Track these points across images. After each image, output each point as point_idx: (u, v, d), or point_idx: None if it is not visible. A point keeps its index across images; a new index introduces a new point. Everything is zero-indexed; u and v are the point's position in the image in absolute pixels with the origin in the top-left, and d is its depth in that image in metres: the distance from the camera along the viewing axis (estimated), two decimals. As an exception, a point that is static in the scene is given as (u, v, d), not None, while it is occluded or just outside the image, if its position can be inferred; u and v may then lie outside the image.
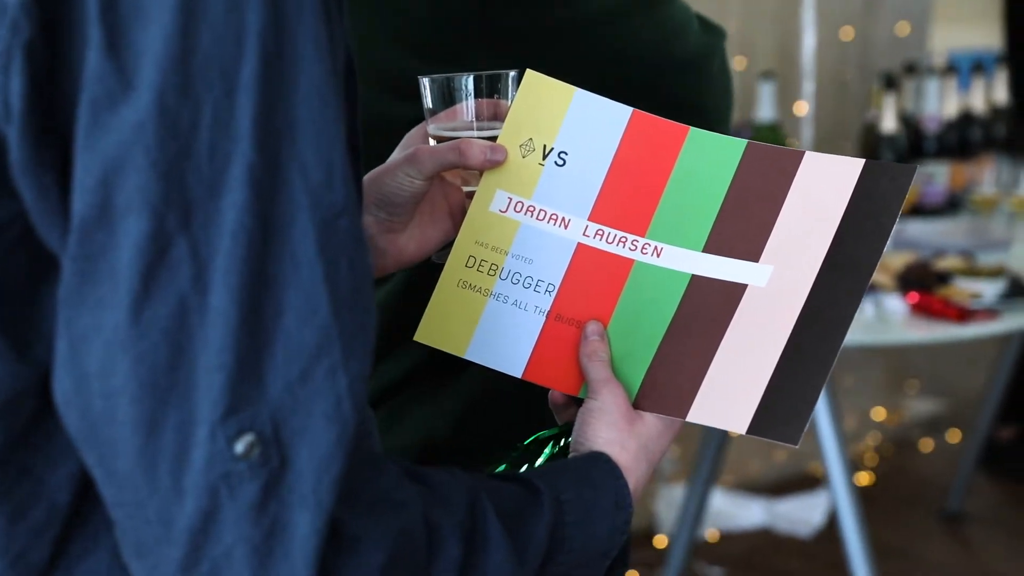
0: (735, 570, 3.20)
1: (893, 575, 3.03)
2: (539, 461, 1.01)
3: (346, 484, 0.72)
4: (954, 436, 4.02)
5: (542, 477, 0.90)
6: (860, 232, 0.97)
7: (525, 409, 1.14)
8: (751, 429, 0.95)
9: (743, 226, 1.00)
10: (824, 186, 0.99)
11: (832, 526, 3.20)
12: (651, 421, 0.97)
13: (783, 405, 0.94)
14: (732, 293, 0.98)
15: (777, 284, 0.97)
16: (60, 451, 0.73)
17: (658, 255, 1.01)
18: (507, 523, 0.83)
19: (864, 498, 2.45)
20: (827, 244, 0.97)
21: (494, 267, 1.03)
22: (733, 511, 3.43)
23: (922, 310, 2.37)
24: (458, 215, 1.05)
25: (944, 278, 2.47)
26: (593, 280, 1.02)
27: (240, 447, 0.69)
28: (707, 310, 0.98)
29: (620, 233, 1.02)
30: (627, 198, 1.02)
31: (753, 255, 0.99)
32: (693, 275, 1.00)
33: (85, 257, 0.68)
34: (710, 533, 3.34)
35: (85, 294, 0.69)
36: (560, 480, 0.90)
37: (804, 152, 1.01)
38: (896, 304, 2.41)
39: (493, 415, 1.22)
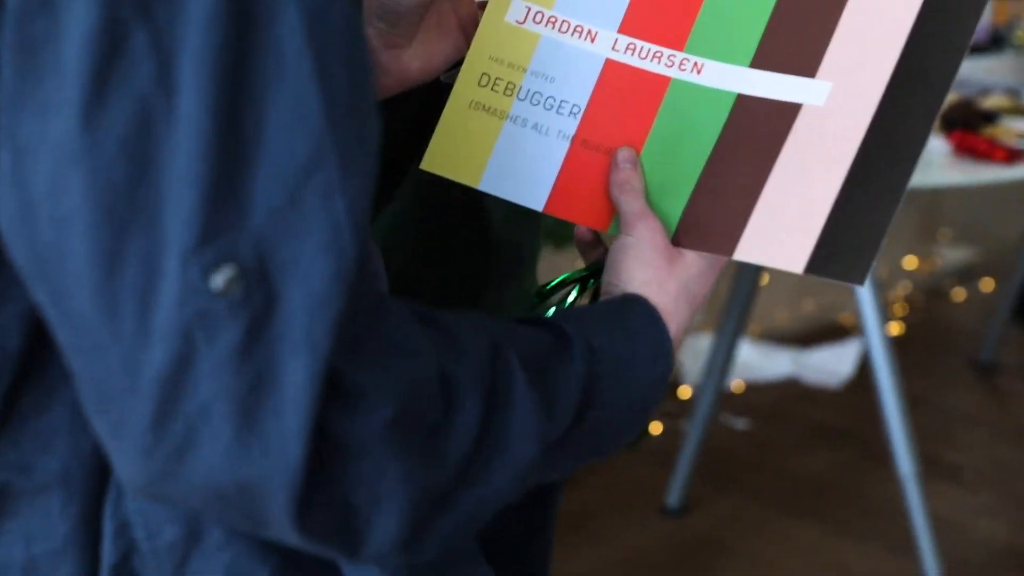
0: (760, 421, 3.18)
1: (923, 425, 2.98)
2: (564, 307, 0.92)
3: (346, 328, 0.61)
4: (987, 285, 3.98)
5: (570, 321, 0.79)
6: (933, 43, 0.87)
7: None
8: (809, 268, 0.85)
9: (797, 38, 0.89)
10: (891, -9, 0.88)
11: (860, 377, 3.14)
12: (692, 259, 0.87)
13: (846, 240, 0.84)
14: (785, 113, 0.88)
15: (837, 103, 0.87)
16: (6, 288, 0.63)
17: (698, 72, 0.90)
18: (533, 374, 0.73)
19: (894, 348, 2.39)
20: (895, 57, 0.87)
21: (511, 86, 0.92)
22: (760, 362, 3.42)
23: (966, 151, 2.26)
24: (469, 28, 0.94)
25: (990, 117, 2.35)
26: (624, 101, 0.91)
27: (218, 281, 0.59)
28: (756, 134, 0.88)
29: (655, 47, 0.91)
30: (662, 7, 0.92)
31: (809, 70, 0.88)
32: (739, 94, 0.89)
33: (24, 48, 0.58)
34: (736, 384, 3.32)
35: (27, 94, 0.58)
36: (591, 325, 0.80)
37: (868, -47, 0.89)
38: (938, 145, 2.31)
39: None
